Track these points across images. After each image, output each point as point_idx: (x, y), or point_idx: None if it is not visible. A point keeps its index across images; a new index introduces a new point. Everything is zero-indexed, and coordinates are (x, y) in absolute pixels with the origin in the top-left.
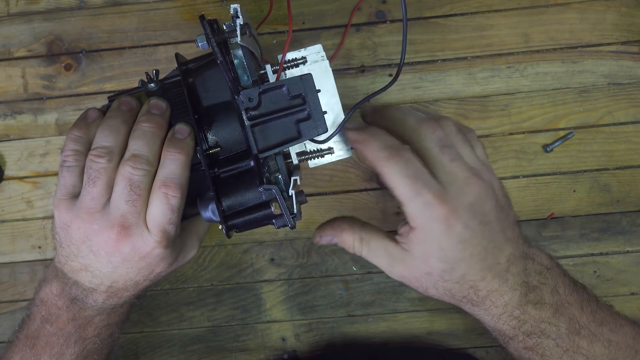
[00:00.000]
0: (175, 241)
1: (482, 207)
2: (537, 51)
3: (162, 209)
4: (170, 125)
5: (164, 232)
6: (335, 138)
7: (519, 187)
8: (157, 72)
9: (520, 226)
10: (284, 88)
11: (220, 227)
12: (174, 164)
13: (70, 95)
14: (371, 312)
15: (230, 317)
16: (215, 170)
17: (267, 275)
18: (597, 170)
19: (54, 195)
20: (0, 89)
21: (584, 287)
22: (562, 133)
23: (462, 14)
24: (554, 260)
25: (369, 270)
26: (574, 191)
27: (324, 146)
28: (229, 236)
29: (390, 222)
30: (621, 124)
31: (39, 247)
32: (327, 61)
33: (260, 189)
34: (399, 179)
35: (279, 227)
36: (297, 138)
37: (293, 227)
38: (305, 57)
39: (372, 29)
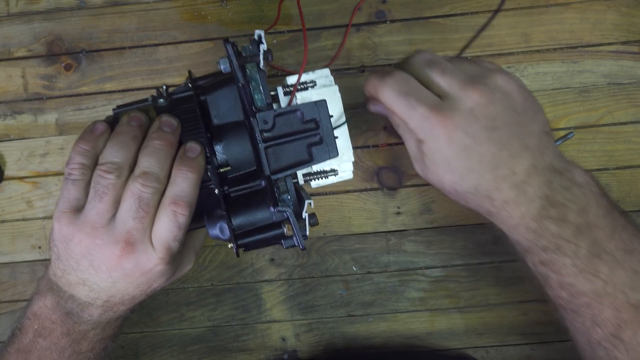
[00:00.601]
0: (175, 258)
1: (487, 112)
2: (537, 51)
3: (169, 226)
4: (180, 142)
5: (168, 249)
6: (339, 160)
7: None
8: (167, 87)
9: (553, 137)
10: (299, 112)
11: (229, 245)
12: (185, 182)
13: (71, 95)
14: (371, 312)
15: (230, 317)
16: (225, 188)
17: (267, 275)
18: (597, 170)
19: (56, 207)
20: (0, 89)
21: (624, 213)
22: (562, 133)
23: (462, 14)
24: (591, 178)
25: (369, 270)
26: None
27: (328, 168)
28: (238, 255)
29: (390, 223)
30: (621, 124)
31: (39, 247)
32: (337, 86)
33: (273, 210)
34: (394, 98)
35: (287, 247)
36: (309, 161)
37: (304, 249)
38: (314, 81)
39: (372, 29)
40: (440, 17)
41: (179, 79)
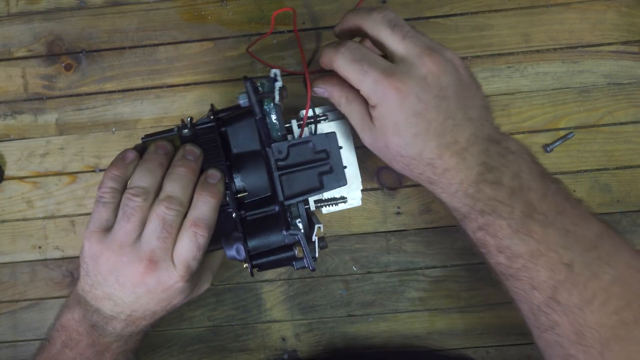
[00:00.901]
0: (194, 276)
1: (438, 81)
2: (537, 51)
3: (190, 246)
4: (201, 169)
5: (188, 268)
6: (349, 189)
7: None
8: (192, 119)
9: (492, 112)
10: (311, 143)
11: (245, 265)
12: (205, 206)
13: (71, 95)
14: (371, 312)
15: (230, 317)
16: (242, 212)
17: (267, 275)
18: (597, 170)
19: (87, 227)
20: (0, 89)
21: (556, 180)
22: (562, 133)
23: (462, 14)
24: (524, 147)
25: (369, 270)
26: (574, 191)
27: (338, 195)
28: (252, 274)
29: (390, 223)
30: (621, 124)
31: (39, 247)
32: (345, 120)
33: (285, 233)
34: (347, 65)
35: (298, 269)
36: (320, 188)
37: (313, 270)
38: (327, 115)
39: None
40: (440, 17)
41: (179, 79)
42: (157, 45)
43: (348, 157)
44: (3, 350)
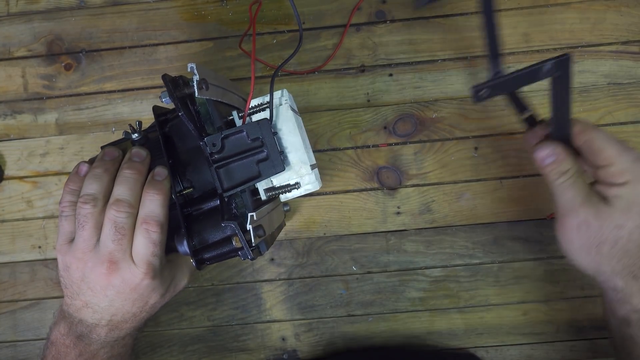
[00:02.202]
0: (163, 273)
1: None
2: (537, 51)
3: (144, 243)
4: (151, 169)
5: (149, 264)
6: (299, 174)
7: (519, 187)
8: (140, 123)
9: None
10: (244, 133)
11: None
12: (153, 204)
13: (70, 95)
14: (371, 312)
15: (230, 317)
16: (189, 209)
17: (267, 275)
18: None
19: (56, 242)
20: (0, 89)
21: None
22: None
23: (462, 14)
24: None
25: (369, 270)
26: None
27: (292, 181)
28: (199, 268)
29: (390, 222)
30: (621, 124)
31: (39, 247)
32: (288, 105)
33: (223, 225)
34: (606, 142)
35: (244, 259)
36: (258, 177)
37: (252, 259)
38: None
39: (372, 29)
40: (440, 17)
41: None
42: (157, 45)
43: (294, 142)
44: (3, 350)
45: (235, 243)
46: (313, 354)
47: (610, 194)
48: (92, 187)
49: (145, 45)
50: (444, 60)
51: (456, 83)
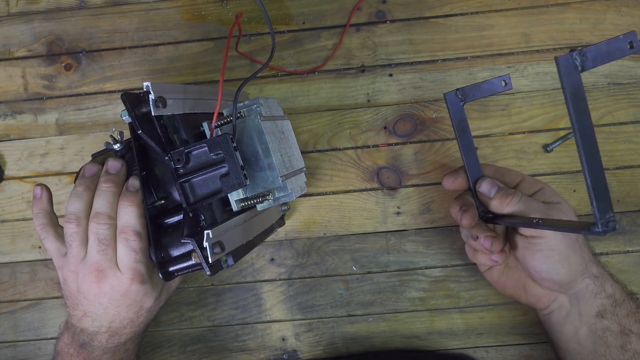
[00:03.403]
0: (153, 277)
1: None
2: (537, 51)
3: (126, 251)
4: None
5: (134, 270)
6: (272, 184)
7: None
8: (122, 133)
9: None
10: (205, 147)
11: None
12: (127, 215)
13: (71, 95)
14: (371, 312)
15: (230, 317)
16: (163, 219)
17: (267, 275)
18: None
19: (53, 260)
20: (0, 89)
21: None
22: (562, 133)
23: (462, 14)
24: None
25: (369, 270)
26: (574, 191)
27: (265, 191)
28: (166, 280)
29: (390, 223)
30: (621, 124)
31: (39, 247)
32: (257, 115)
33: (182, 241)
34: (505, 168)
35: (209, 275)
36: (220, 192)
37: (210, 275)
38: (241, 112)
39: (372, 29)
40: (440, 17)
41: (179, 79)
42: (157, 45)
43: (264, 153)
44: (3, 350)
45: (194, 259)
46: (313, 354)
47: (546, 197)
48: (73, 206)
49: (146, 46)
50: (444, 60)
51: (456, 83)
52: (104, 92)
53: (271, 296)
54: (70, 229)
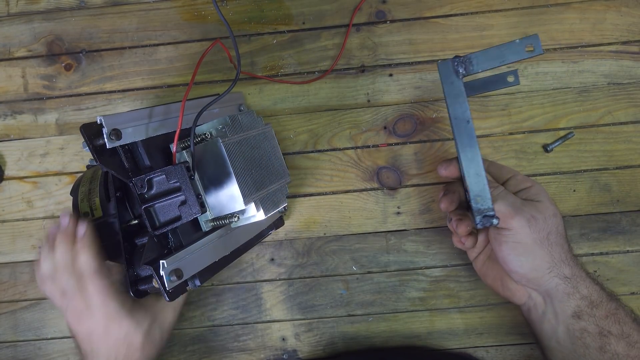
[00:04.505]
0: (134, 314)
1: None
2: None
3: (91, 293)
4: (119, 186)
5: (104, 310)
6: (237, 208)
7: None
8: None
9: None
10: (163, 176)
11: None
12: (80, 259)
13: (71, 95)
14: (371, 312)
15: (230, 317)
16: (140, 238)
17: (267, 275)
18: (597, 170)
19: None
20: (0, 89)
21: None
22: (562, 133)
23: (462, 14)
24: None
25: (369, 270)
26: (574, 191)
27: (230, 213)
28: (138, 297)
29: (390, 222)
30: (621, 123)
31: (39, 247)
32: (220, 141)
33: (143, 265)
34: (499, 164)
35: (167, 301)
36: (179, 219)
37: (169, 300)
38: (209, 134)
39: (372, 29)
40: (440, 17)
41: (179, 79)
42: (157, 45)
43: (227, 179)
44: (3, 350)
45: (154, 283)
46: (313, 354)
47: (531, 195)
48: (44, 266)
49: (146, 46)
50: (444, 60)
51: None
52: (104, 92)
53: (271, 296)
54: (48, 288)
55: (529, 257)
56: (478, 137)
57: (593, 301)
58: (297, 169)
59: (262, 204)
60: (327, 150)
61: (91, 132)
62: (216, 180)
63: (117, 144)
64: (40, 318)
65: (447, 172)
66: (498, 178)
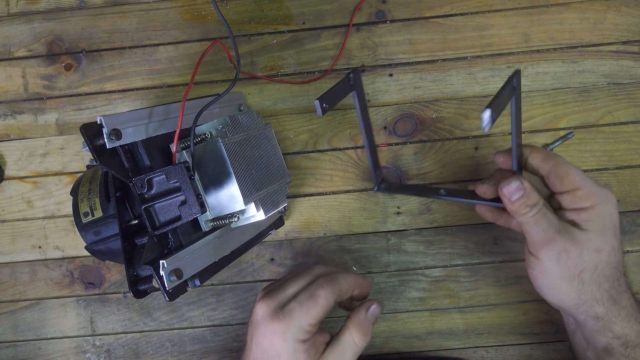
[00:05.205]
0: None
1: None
2: (537, 51)
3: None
4: (119, 186)
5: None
6: (234, 207)
7: None
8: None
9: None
10: (163, 175)
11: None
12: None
13: (71, 95)
14: None
15: (230, 317)
16: (141, 238)
17: (267, 275)
18: (597, 170)
19: None
20: (0, 89)
21: None
22: (562, 133)
23: (462, 14)
24: None
25: (369, 270)
26: None
27: (230, 213)
28: (138, 297)
29: (390, 222)
30: (621, 123)
31: (39, 247)
32: (219, 141)
33: (143, 265)
34: (569, 167)
35: (167, 301)
36: (179, 219)
37: (168, 300)
38: (209, 134)
39: (372, 29)
40: (440, 17)
41: (179, 79)
42: (157, 45)
43: (227, 179)
44: (3, 350)
45: (154, 283)
46: None
47: (580, 219)
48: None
49: (146, 46)
50: (444, 60)
51: (456, 83)
52: (104, 92)
53: None
54: None
55: (554, 290)
56: (478, 137)
57: (629, 342)
58: (297, 169)
59: (262, 204)
60: (327, 150)
61: (91, 132)
62: (216, 180)
63: (117, 144)
64: (40, 318)
65: (506, 164)
66: (555, 186)
